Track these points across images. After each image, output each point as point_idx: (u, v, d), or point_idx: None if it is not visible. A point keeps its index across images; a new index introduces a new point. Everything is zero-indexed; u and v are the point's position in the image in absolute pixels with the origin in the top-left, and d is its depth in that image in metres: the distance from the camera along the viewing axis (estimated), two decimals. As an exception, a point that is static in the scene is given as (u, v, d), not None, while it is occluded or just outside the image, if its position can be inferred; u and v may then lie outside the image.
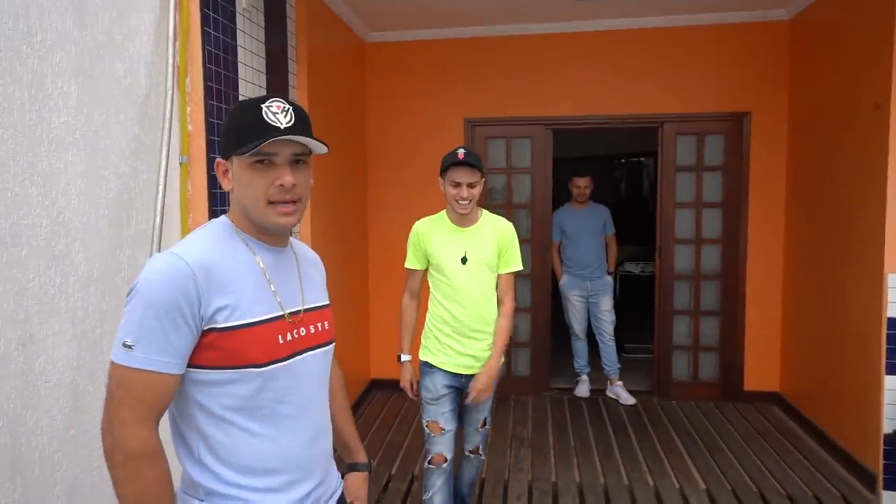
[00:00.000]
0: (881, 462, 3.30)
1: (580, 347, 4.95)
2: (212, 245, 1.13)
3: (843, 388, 3.76)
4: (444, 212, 2.59)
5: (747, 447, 3.98)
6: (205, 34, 2.48)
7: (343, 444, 1.47)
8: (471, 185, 2.41)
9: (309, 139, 1.12)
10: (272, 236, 1.20)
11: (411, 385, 2.61)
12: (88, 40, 1.99)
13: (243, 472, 1.11)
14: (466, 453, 2.76)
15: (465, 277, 2.49)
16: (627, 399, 4.78)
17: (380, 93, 4.96)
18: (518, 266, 2.61)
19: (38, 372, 1.81)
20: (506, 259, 2.57)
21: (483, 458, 2.85)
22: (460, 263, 2.49)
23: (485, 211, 2.62)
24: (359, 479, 1.46)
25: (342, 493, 1.34)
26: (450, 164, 2.40)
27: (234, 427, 1.10)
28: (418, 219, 2.64)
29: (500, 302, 2.62)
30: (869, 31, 3.46)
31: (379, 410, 4.59)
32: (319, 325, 1.25)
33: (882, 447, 3.29)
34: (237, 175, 1.14)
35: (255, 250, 1.18)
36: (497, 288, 2.61)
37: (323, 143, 1.15)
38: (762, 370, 4.80)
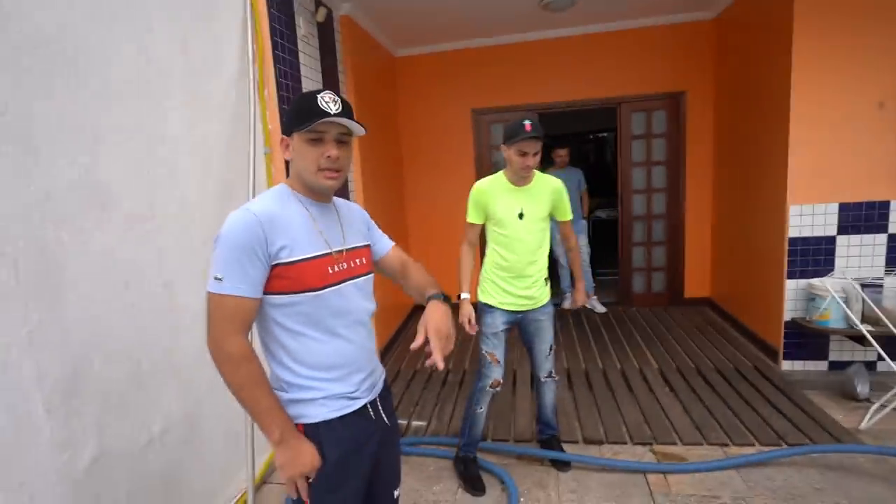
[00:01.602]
0: (782, 341, 3.30)
1: (564, 273, 4.92)
2: (273, 202, 1.13)
3: (756, 291, 3.71)
4: (501, 173, 2.22)
5: (687, 338, 3.96)
6: (276, 57, 2.43)
7: (420, 290, 1.33)
8: (535, 154, 2.08)
9: (351, 121, 1.11)
10: (319, 195, 1.19)
11: (469, 320, 2.16)
12: (191, 66, 1.97)
13: (314, 368, 1.14)
14: (543, 379, 2.40)
15: (521, 230, 2.17)
16: (600, 309, 4.77)
17: (408, 94, 4.85)
18: (569, 215, 2.31)
19: (179, 305, 1.87)
20: (562, 210, 2.27)
21: (557, 380, 2.49)
22: (517, 218, 2.16)
23: (535, 171, 2.23)
24: (434, 306, 1.23)
25: (385, 378, 1.35)
26: (520, 136, 2.03)
27: (303, 336, 1.13)
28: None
29: (565, 241, 2.45)
30: (772, 26, 3.29)
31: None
32: (358, 260, 1.23)
33: (783, 330, 3.28)
34: (296, 147, 1.13)
35: (305, 205, 1.17)
36: (561, 234, 2.44)
37: (362, 125, 1.14)
38: (697, 282, 4.74)
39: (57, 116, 1.41)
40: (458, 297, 2.23)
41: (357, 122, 1.13)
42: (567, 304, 4.93)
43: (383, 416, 1.26)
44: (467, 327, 2.16)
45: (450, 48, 4.66)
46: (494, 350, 2.26)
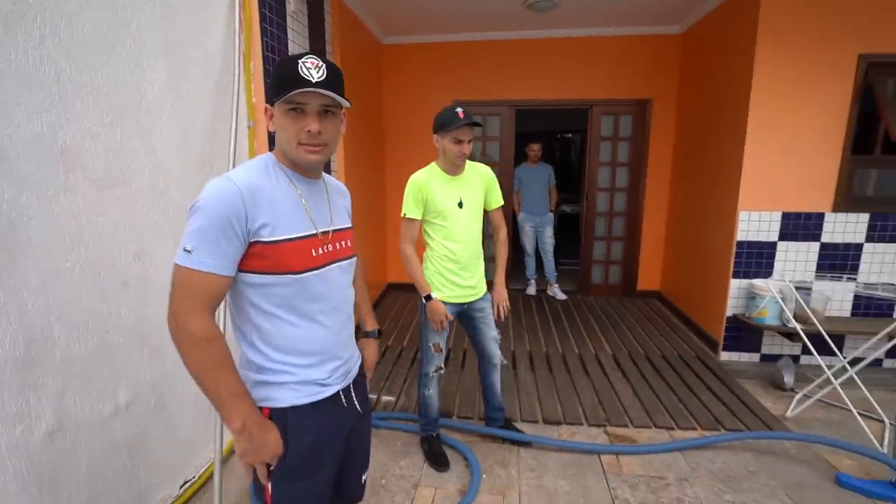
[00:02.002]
0: (722, 334, 3.35)
1: (529, 262, 4.87)
2: (258, 173, 0.97)
3: (702, 287, 3.74)
4: (433, 164, 2.04)
5: (638, 326, 3.98)
6: (263, 29, 2.21)
7: (360, 317, 1.31)
8: (469, 141, 1.91)
9: (331, 92, 0.93)
10: (306, 170, 1.03)
11: (442, 321, 2.02)
12: (172, 31, 1.75)
13: (286, 353, 1.00)
14: (495, 364, 2.25)
15: (462, 219, 2.00)
16: (561, 296, 4.75)
17: (393, 82, 4.62)
18: (501, 202, 2.15)
19: (150, 275, 1.68)
20: (493, 196, 2.12)
21: (505, 363, 2.30)
22: (458, 208, 1.99)
23: (468, 163, 2.09)
24: (370, 344, 1.31)
25: (361, 363, 1.22)
26: (455, 123, 1.86)
27: (278, 319, 0.98)
28: (417, 167, 2.09)
29: (495, 232, 2.22)
30: (736, 46, 3.27)
31: (393, 304, 4.52)
32: (343, 242, 1.09)
33: (724, 324, 3.33)
34: (277, 119, 0.96)
35: (293, 181, 1.01)
36: (491, 222, 2.22)
37: (344, 98, 0.97)
38: (649, 276, 4.78)
39: (16, 66, 1.20)
40: (425, 298, 2.02)
41: (339, 93, 0.96)
42: (531, 291, 4.90)
43: (356, 403, 1.13)
44: (440, 327, 2.03)
45: (436, 40, 4.46)
46: (439, 340, 2.12)
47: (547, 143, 8.93)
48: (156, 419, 1.74)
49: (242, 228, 0.90)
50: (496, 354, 2.25)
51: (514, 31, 4.33)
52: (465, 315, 2.17)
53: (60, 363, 1.35)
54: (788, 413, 2.65)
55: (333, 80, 0.95)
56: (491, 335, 2.21)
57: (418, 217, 2.00)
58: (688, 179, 4.13)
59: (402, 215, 2.02)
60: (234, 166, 1.99)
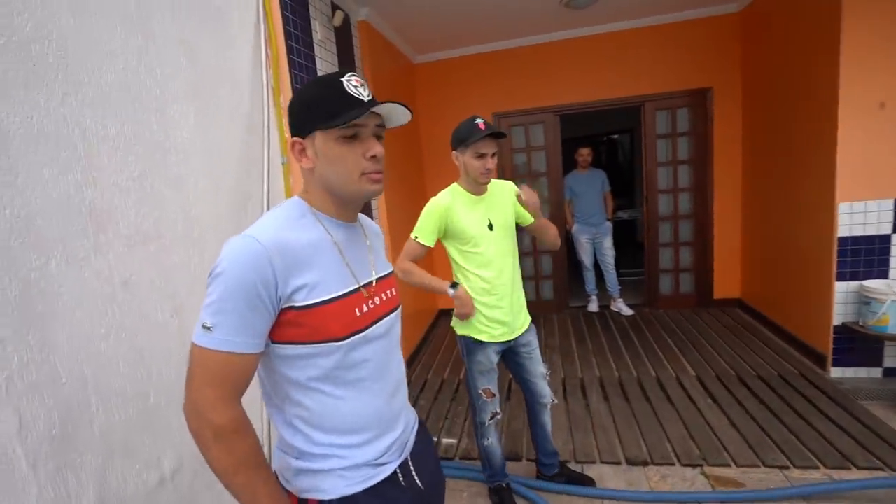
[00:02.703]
0: (831, 346, 2.94)
1: (589, 276, 4.59)
2: (286, 224, 0.83)
3: (796, 292, 3.33)
4: (455, 185, 1.86)
5: (721, 341, 3.61)
6: (291, 61, 2.18)
7: None
8: (493, 155, 1.74)
9: (399, 106, 0.83)
10: (347, 212, 0.90)
11: (471, 305, 1.82)
12: (198, 73, 1.73)
13: (332, 433, 0.85)
14: (545, 404, 2.06)
15: (495, 242, 1.82)
16: (627, 311, 4.42)
17: (428, 102, 4.56)
18: (535, 217, 1.92)
19: (189, 330, 1.61)
20: (522, 212, 1.91)
21: (555, 401, 2.12)
22: (488, 230, 1.81)
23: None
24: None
25: (420, 426, 1.05)
26: (475, 135, 1.71)
27: (320, 394, 0.84)
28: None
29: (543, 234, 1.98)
30: (813, 16, 2.93)
31: (446, 333, 4.34)
32: (388, 292, 0.96)
33: (832, 335, 2.92)
34: (323, 151, 0.83)
35: (328, 227, 0.87)
36: (534, 232, 1.98)
37: (408, 108, 0.86)
38: (727, 282, 4.36)
39: (38, 128, 1.17)
40: (452, 287, 1.82)
41: (401, 102, 0.84)
42: (593, 307, 4.61)
43: (416, 480, 0.95)
44: (470, 312, 1.81)
45: (470, 52, 4.37)
46: (489, 385, 1.93)
47: (592, 147, 8.63)
48: (203, 486, 1.65)
49: (272, 296, 0.77)
50: (546, 393, 2.04)
51: (551, 32, 4.17)
52: (508, 352, 1.97)
53: (100, 437, 1.28)
54: (936, 442, 2.23)
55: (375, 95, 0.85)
56: (539, 371, 2.01)
57: (430, 245, 1.82)
58: (765, 172, 3.75)
59: (412, 237, 1.82)
60: (269, 206, 1.93)
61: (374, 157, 0.83)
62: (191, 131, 1.66)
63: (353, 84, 0.81)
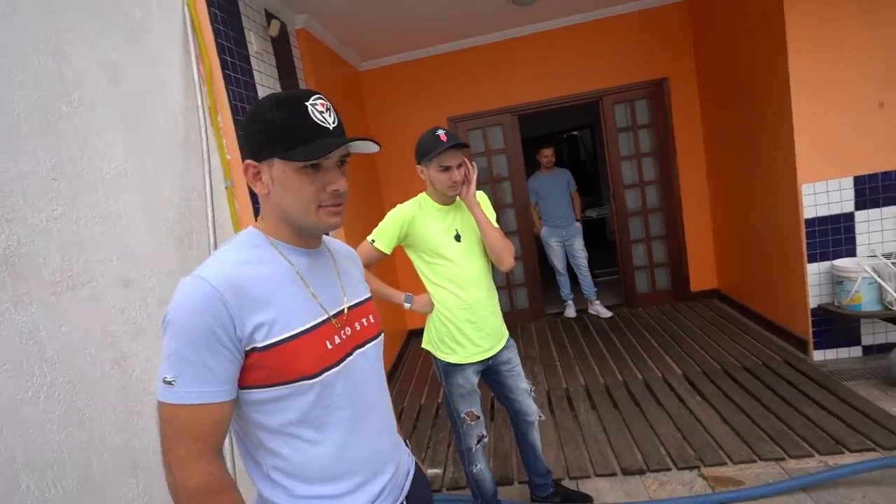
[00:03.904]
0: (810, 330, 3.10)
1: (563, 280, 4.67)
2: (239, 258, 0.80)
3: (772, 278, 3.50)
4: (423, 194, 1.85)
5: (703, 334, 3.74)
6: (227, 77, 2.13)
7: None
8: (459, 166, 1.74)
9: (367, 142, 0.82)
10: (309, 239, 0.88)
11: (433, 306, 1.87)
12: (124, 95, 1.66)
13: (315, 483, 0.81)
14: (532, 421, 2.06)
15: (464, 254, 1.82)
16: (605, 313, 4.52)
17: (377, 110, 4.57)
18: (495, 225, 1.87)
19: (135, 382, 1.53)
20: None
21: (542, 416, 2.14)
22: (454, 241, 1.81)
23: None
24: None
25: (416, 467, 1.03)
26: (437, 148, 1.71)
27: (297, 440, 0.80)
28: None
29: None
30: (753, 4, 3.15)
31: (418, 354, 4.28)
32: (365, 319, 0.93)
33: (810, 318, 3.08)
34: (281, 179, 0.80)
35: (288, 256, 0.85)
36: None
37: (376, 142, 0.84)
38: (703, 274, 4.54)
39: (-62, 169, 1.08)
40: (407, 300, 1.86)
41: (369, 138, 0.83)
42: (570, 313, 4.68)
43: None
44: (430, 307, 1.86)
45: (418, 56, 4.42)
46: (472, 407, 1.91)
47: (555, 147, 8.85)
48: (163, 558, 1.55)
49: (231, 337, 0.74)
50: (533, 410, 2.04)
51: (501, 31, 4.28)
52: (488, 371, 1.96)
53: (35, 517, 1.18)
54: (920, 416, 2.37)
55: (341, 121, 0.83)
56: (522, 388, 2.00)
57: (386, 252, 1.81)
58: (727, 159, 3.95)
59: (368, 240, 1.81)
60: (215, 236, 1.86)
61: (335, 191, 0.81)
62: (120, 161, 1.59)
63: (319, 109, 0.79)
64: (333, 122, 0.80)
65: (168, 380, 0.71)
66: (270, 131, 0.79)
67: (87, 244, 1.43)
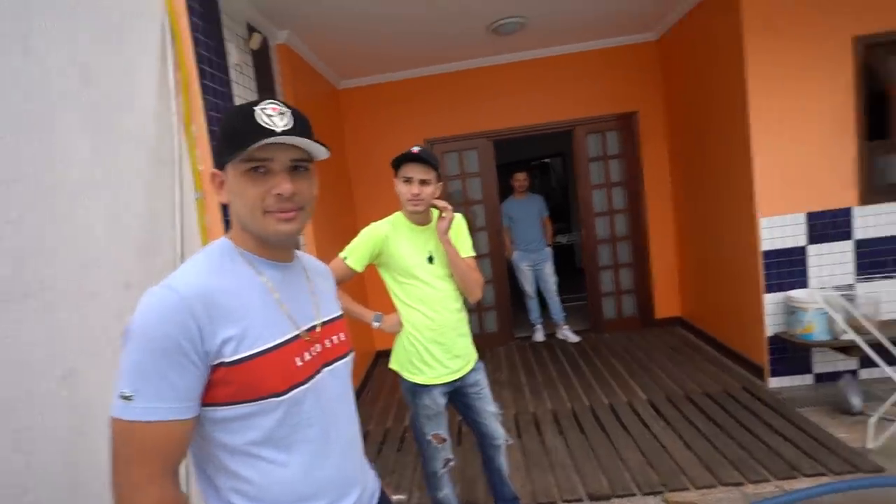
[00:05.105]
0: (767, 357, 3.20)
1: (532, 305, 4.70)
2: (209, 269, 0.78)
3: (731, 307, 3.62)
4: (398, 214, 1.85)
5: (667, 361, 3.80)
6: (204, 87, 2.09)
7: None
8: (423, 182, 1.70)
9: (306, 141, 0.77)
10: (277, 251, 0.85)
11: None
12: (94, 98, 1.60)
13: None
14: (498, 444, 2.00)
15: (436, 276, 1.81)
16: (574, 338, 4.56)
17: (356, 129, 4.57)
18: (470, 252, 1.89)
19: (83, 399, 1.44)
20: (461, 245, 1.87)
21: (510, 441, 2.11)
22: (427, 262, 1.80)
23: (432, 209, 1.85)
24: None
25: (381, 490, 1.00)
26: (402, 159, 1.72)
27: (260, 461, 0.76)
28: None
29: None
30: (719, 41, 3.32)
31: (386, 377, 4.17)
32: (336, 337, 0.90)
33: (767, 346, 3.19)
34: (230, 184, 0.79)
35: (259, 269, 0.82)
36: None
37: (323, 145, 0.80)
38: (667, 302, 4.65)
39: None
40: (376, 320, 1.86)
41: (317, 141, 0.80)
42: (539, 337, 4.70)
43: None
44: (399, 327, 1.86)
45: (398, 77, 4.46)
46: (438, 430, 1.88)
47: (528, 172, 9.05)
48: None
49: (198, 351, 0.70)
50: (500, 434, 2.01)
51: (480, 58, 4.37)
52: (456, 393, 1.92)
53: (-37, 547, 1.08)
54: (869, 444, 2.45)
55: (303, 127, 0.80)
56: (490, 411, 1.97)
57: (358, 269, 1.78)
58: (692, 191, 4.10)
59: (340, 257, 1.78)
60: (182, 248, 1.79)
61: (279, 194, 0.77)
62: (85, 164, 1.52)
63: (268, 112, 0.77)
64: (285, 126, 0.77)
65: (126, 395, 0.67)
66: (223, 137, 0.79)
67: (41, 251, 1.35)
